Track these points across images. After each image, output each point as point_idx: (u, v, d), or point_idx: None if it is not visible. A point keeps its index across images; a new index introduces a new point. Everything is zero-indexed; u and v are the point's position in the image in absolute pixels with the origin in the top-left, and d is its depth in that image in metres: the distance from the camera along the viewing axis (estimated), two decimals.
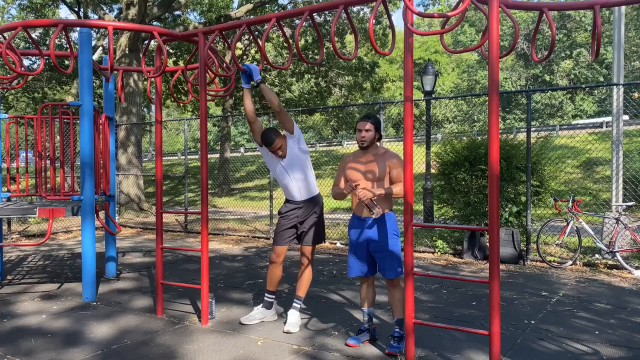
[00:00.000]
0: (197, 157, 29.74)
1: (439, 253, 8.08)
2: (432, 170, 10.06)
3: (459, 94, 44.46)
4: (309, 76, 22.48)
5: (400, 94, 40.72)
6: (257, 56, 22.76)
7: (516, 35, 3.26)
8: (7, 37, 4.62)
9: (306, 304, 5.11)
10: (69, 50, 4.79)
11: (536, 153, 7.95)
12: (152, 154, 39.11)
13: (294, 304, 4.40)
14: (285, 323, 4.34)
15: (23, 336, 4.18)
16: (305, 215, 4.39)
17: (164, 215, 7.15)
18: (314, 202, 4.42)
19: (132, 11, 14.71)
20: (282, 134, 4.40)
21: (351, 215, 4.01)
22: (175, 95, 18.95)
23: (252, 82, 4.45)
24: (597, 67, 39.91)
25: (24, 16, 22.58)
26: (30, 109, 25.76)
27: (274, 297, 4.58)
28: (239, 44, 22.17)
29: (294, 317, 4.33)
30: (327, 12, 18.16)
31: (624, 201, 7.70)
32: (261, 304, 4.58)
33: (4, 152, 7.43)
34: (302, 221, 4.40)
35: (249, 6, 17.99)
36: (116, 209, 9.38)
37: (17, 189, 7.04)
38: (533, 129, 8.33)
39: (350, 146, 31.03)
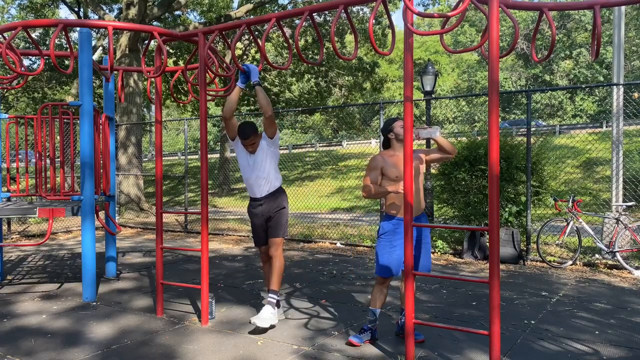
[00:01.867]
0: (197, 157, 29.75)
1: (439, 253, 8.09)
2: (432, 170, 10.05)
3: (459, 94, 44.47)
4: (309, 76, 22.47)
5: (400, 94, 40.72)
6: (257, 56, 22.75)
7: (516, 35, 3.26)
8: (7, 37, 4.62)
9: (306, 304, 5.12)
10: (69, 50, 4.79)
11: (536, 153, 7.95)
12: (152, 154, 39.12)
13: (270, 299, 4.33)
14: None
15: (23, 336, 4.18)
16: (271, 211, 4.47)
17: (164, 215, 7.14)
18: (276, 195, 4.51)
19: (132, 11, 14.71)
20: (259, 131, 4.50)
21: (384, 216, 3.97)
22: (175, 95, 18.94)
23: (248, 82, 4.47)
24: (597, 67, 39.90)
25: (24, 16, 22.60)
26: (30, 109, 25.78)
27: (277, 295, 4.60)
28: (239, 44, 22.16)
29: (266, 312, 4.23)
30: (327, 12, 18.15)
31: (624, 201, 7.70)
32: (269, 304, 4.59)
33: (4, 152, 7.42)
34: (270, 217, 4.49)
35: (249, 6, 17.99)
36: (116, 209, 9.37)
37: (17, 189, 7.04)
38: (533, 128, 8.33)
39: (350, 146, 31.00)
